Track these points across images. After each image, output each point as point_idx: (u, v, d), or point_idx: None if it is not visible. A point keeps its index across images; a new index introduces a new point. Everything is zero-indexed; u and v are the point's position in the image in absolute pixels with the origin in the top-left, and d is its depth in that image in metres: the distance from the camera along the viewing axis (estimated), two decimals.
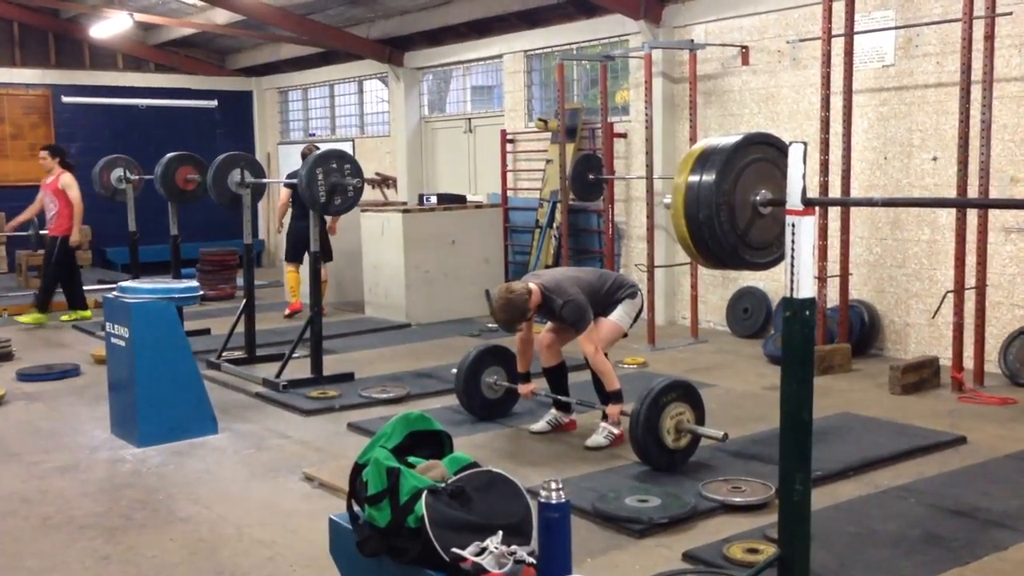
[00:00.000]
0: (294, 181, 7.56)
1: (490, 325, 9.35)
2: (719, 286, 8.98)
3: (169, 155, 8.67)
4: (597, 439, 5.32)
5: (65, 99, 14.21)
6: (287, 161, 14.97)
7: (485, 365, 5.94)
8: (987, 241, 6.51)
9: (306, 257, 8.52)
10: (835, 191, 7.27)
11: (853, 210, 7.46)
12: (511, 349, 5.90)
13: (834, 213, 7.44)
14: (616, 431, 5.34)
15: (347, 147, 13.43)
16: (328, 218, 9.61)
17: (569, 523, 3.26)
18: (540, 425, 5.64)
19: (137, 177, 9.92)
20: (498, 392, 5.95)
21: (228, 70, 15.86)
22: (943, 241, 7.18)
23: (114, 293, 5.80)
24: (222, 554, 4.04)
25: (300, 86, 15.38)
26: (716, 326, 9.01)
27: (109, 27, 13.31)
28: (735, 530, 4.06)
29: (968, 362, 6.60)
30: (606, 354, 5.42)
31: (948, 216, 7.02)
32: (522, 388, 5.73)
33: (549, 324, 5.65)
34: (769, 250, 3.23)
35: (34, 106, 14.24)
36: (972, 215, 6.49)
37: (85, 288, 10.29)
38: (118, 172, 9.93)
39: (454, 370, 6.06)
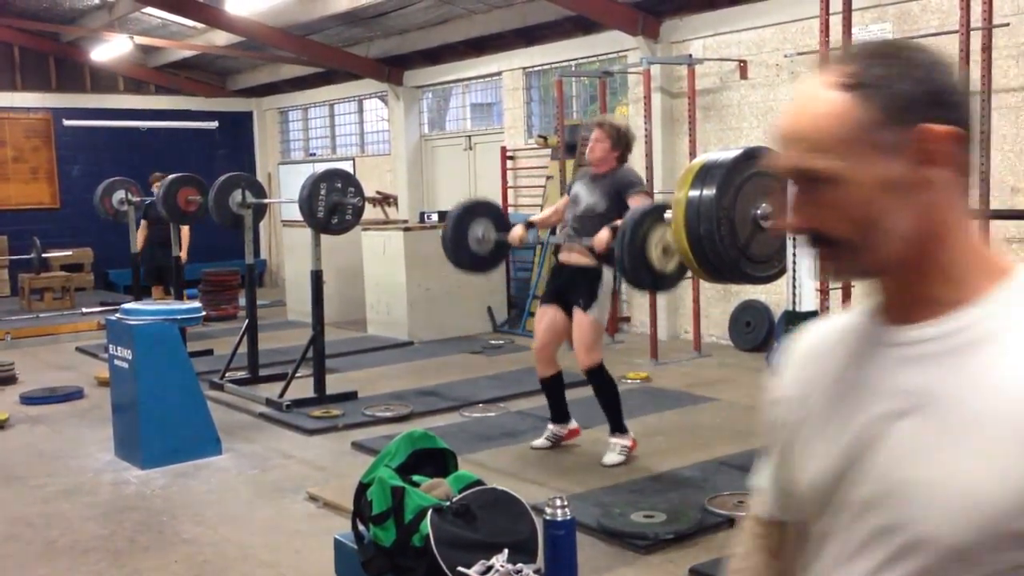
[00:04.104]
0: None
1: (493, 342, 9.36)
2: (721, 300, 8.97)
3: (171, 176, 8.70)
4: (613, 457, 5.27)
5: (66, 122, 14.26)
6: (288, 181, 15.02)
7: (470, 219, 5.69)
8: None
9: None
10: None
11: None
12: (496, 203, 5.87)
13: None
14: (628, 442, 5.31)
15: (347, 166, 13.45)
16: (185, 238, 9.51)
17: (575, 540, 3.25)
18: (540, 441, 5.63)
19: (139, 199, 9.94)
20: (487, 245, 5.70)
21: (228, 91, 15.92)
22: None
23: (117, 315, 5.81)
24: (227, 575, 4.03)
25: (300, 106, 15.44)
26: (719, 340, 9.00)
27: (109, 50, 13.38)
28: None
29: None
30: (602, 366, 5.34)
31: None
32: (512, 233, 5.51)
33: (544, 320, 5.42)
34: (770, 264, 3.24)
35: (35, 130, 14.29)
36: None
37: (89, 310, 10.29)
38: (120, 194, 9.96)
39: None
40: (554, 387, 5.59)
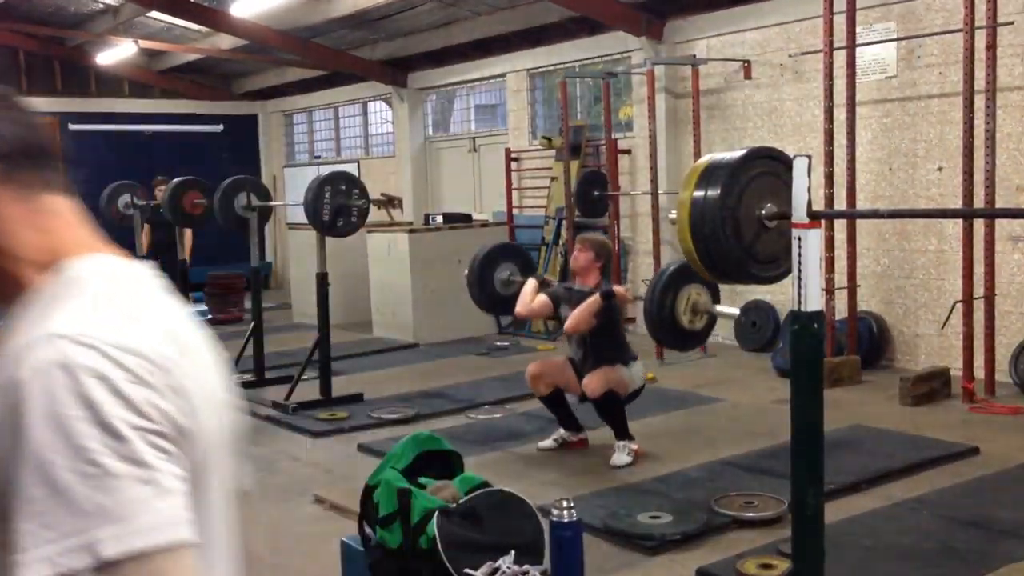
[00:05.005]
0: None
1: (499, 344, 9.36)
2: (726, 300, 8.91)
3: (176, 180, 8.71)
4: (621, 457, 5.28)
5: (72, 126, 14.29)
6: (293, 184, 15.04)
7: (498, 261, 5.84)
8: (994, 250, 6.50)
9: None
10: (840, 203, 7.27)
11: (859, 221, 7.45)
12: (523, 249, 6.02)
13: (840, 225, 7.43)
14: (634, 446, 5.32)
15: (352, 168, 13.47)
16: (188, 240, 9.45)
17: (581, 541, 3.25)
18: (547, 443, 5.63)
19: (144, 203, 9.96)
20: (511, 288, 5.83)
21: (233, 94, 15.95)
22: (950, 251, 7.16)
23: None
24: None
25: (305, 109, 15.46)
26: (724, 340, 8.99)
27: (115, 54, 13.42)
28: (748, 545, 4.04)
29: (979, 372, 6.57)
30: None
31: (955, 226, 7.01)
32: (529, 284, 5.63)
33: (558, 361, 5.57)
34: (776, 264, 3.23)
35: None
36: (979, 224, 6.48)
37: None
38: (125, 198, 9.98)
39: (465, 272, 5.96)
40: (556, 401, 5.59)
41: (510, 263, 5.89)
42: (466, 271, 5.95)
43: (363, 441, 5.95)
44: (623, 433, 5.34)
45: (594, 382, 5.22)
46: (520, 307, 5.56)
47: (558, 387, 5.55)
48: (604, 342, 5.33)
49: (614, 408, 5.31)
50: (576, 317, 5.20)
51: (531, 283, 5.59)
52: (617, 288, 5.32)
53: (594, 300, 5.18)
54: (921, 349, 7.50)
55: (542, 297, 5.49)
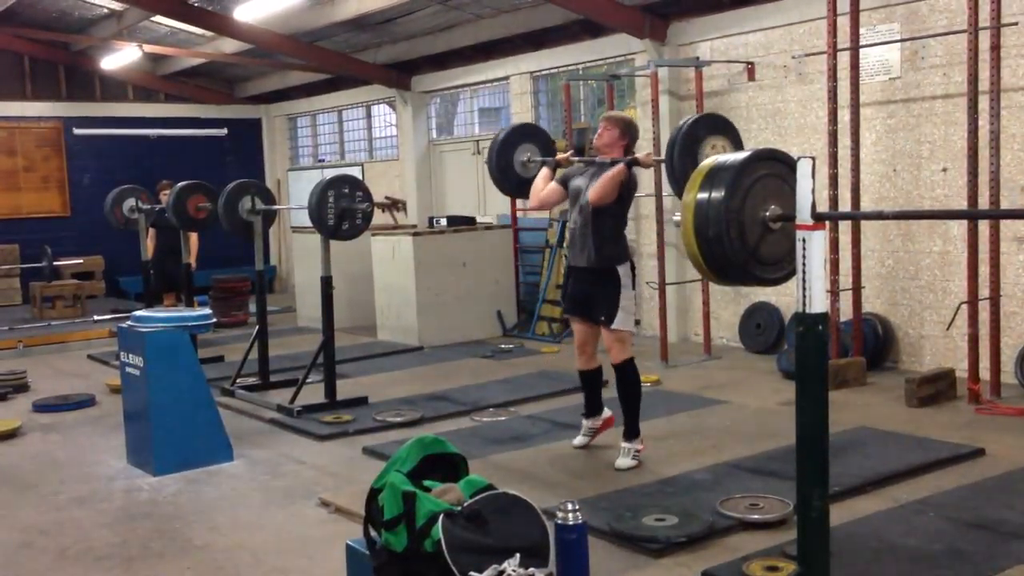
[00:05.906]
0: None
1: (503, 346, 9.35)
2: (731, 302, 8.96)
3: (180, 184, 8.72)
4: (625, 461, 5.27)
5: (77, 131, 14.32)
6: (297, 187, 15.06)
7: (517, 143, 5.82)
8: (999, 251, 6.49)
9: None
10: (845, 204, 7.27)
11: (864, 223, 7.44)
12: (542, 129, 6.01)
13: (845, 226, 7.42)
14: (640, 446, 5.32)
15: (356, 172, 13.48)
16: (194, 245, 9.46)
17: (586, 544, 3.25)
18: (579, 439, 5.63)
19: (148, 207, 9.97)
20: (532, 170, 5.79)
21: (237, 98, 15.98)
22: (955, 252, 7.15)
23: (128, 322, 5.83)
24: None
25: (308, 112, 15.48)
26: (729, 342, 8.99)
27: (119, 59, 13.45)
28: (753, 548, 4.04)
29: (984, 373, 6.55)
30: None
31: (960, 227, 7.00)
32: (558, 158, 5.58)
33: (577, 331, 5.53)
34: (780, 265, 3.23)
35: (46, 139, 14.36)
36: (984, 225, 6.47)
37: (100, 318, 10.29)
38: (130, 202, 10.00)
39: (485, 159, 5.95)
40: (591, 380, 5.61)
41: (530, 144, 5.85)
42: (486, 157, 5.93)
43: (368, 444, 5.95)
44: (632, 430, 5.31)
45: (615, 347, 5.23)
46: (532, 200, 5.56)
47: (599, 365, 5.55)
48: (607, 221, 5.21)
49: (633, 380, 5.31)
50: (600, 188, 5.10)
51: (543, 172, 5.55)
52: (640, 156, 5.22)
53: (619, 170, 5.08)
54: (926, 350, 7.49)
55: (553, 185, 5.45)
